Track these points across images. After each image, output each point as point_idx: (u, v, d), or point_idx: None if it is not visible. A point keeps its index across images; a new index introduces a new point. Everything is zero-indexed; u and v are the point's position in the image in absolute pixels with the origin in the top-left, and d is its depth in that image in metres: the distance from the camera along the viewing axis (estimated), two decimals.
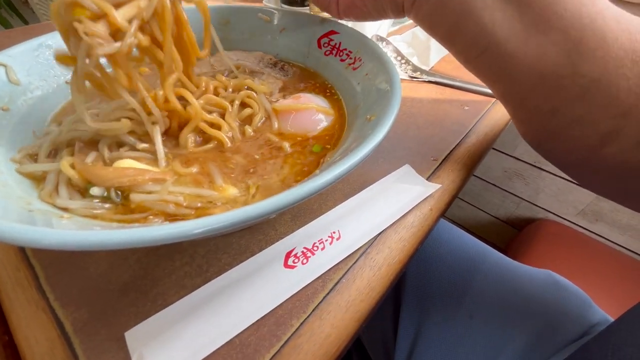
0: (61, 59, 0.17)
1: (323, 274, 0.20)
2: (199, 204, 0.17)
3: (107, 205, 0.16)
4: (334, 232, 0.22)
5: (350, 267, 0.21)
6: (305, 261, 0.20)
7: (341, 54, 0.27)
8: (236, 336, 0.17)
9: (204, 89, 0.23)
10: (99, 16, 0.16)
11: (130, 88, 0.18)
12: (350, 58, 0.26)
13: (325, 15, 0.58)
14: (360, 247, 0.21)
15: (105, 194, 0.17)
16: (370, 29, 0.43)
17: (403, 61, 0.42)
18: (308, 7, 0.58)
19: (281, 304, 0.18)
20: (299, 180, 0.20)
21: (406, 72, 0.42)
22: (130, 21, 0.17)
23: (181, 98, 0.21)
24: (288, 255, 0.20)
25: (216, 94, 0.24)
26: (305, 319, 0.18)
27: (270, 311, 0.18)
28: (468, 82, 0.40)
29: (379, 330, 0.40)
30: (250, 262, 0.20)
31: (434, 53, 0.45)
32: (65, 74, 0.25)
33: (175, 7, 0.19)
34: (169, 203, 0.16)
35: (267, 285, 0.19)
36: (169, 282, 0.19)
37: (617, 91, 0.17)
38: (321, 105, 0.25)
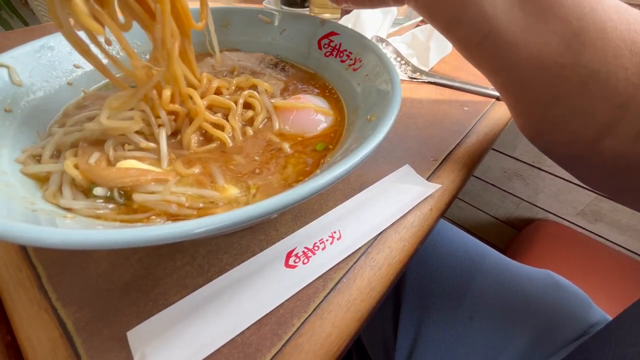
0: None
1: (324, 273, 0.20)
2: (201, 204, 0.17)
3: (110, 206, 0.17)
4: (334, 232, 0.22)
5: (351, 266, 0.21)
6: (306, 261, 0.20)
7: (341, 55, 0.28)
8: (238, 335, 0.17)
9: (206, 85, 0.23)
10: None
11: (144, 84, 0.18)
12: (351, 59, 0.27)
13: (326, 16, 0.58)
14: (361, 247, 0.21)
15: (109, 194, 0.17)
16: (370, 30, 0.43)
17: (403, 62, 0.42)
18: (308, 9, 0.59)
19: (282, 304, 0.18)
20: (300, 180, 0.20)
21: (406, 73, 0.42)
22: None
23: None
24: (289, 255, 0.20)
25: (218, 92, 0.24)
26: (307, 318, 0.18)
27: (272, 310, 0.18)
28: (467, 82, 0.40)
29: (379, 330, 0.40)
30: (252, 262, 0.20)
31: (433, 54, 0.45)
32: (67, 75, 0.25)
33: None
34: (171, 203, 0.17)
35: (268, 284, 0.19)
36: (170, 281, 0.19)
37: (615, 82, 0.17)
38: (321, 105, 0.25)
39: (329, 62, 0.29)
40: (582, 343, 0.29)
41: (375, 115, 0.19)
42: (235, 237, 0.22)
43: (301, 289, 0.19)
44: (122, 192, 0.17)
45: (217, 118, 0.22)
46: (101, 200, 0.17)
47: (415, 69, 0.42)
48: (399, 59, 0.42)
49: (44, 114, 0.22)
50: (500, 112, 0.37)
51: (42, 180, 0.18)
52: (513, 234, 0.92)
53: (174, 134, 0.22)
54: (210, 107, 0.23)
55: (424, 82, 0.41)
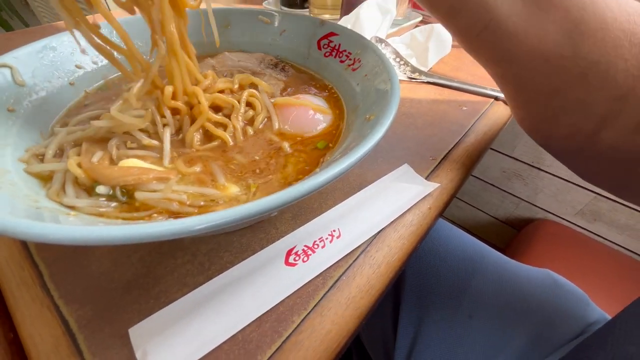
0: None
1: (323, 271, 0.20)
2: (202, 203, 0.18)
3: (112, 204, 0.17)
4: (334, 231, 0.22)
5: (351, 264, 0.21)
6: (306, 259, 0.20)
7: (341, 55, 0.28)
8: (238, 332, 0.17)
9: (210, 83, 0.23)
10: None
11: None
12: (350, 59, 0.27)
13: (325, 17, 0.59)
14: (360, 245, 0.22)
15: (111, 192, 0.17)
16: (369, 30, 0.44)
17: (402, 62, 0.43)
18: (308, 10, 0.59)
19: (282, 301, 0.19)
20: (300, 178, 0.20)
21: (405, 73, 0.42)
22: None
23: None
24: (289, 253, 0.21)
25: (220, 92, 0.24)
26: (306, 315, 0.18)
27: (272, 308, 0.18)
28: (466, 82, 0.40)
29: (378, 329, 0.40)
30: (252, 260, 0.20)
31: (432, 54, 0.45)
32: (68, 75, 0.25)
33: None
34: (172, 201, 0.17)
35: (269, 282, 0.19)
36: (171, 279, 0.19)
37: (615, 73, 0.17)
38: (320, 105, 0.26)
39: (328, 63, 0.29)
40: (582, 341, 0.29)
41: (374, 114, 0.19)
42: (236, 235, 0.22)
43: (301, 286, 0.19)
44: (124, 191, 0.17)
45: (220, 117, 0.22)
46: (104, 199, 0.17)
47: (414, 69, 0.42)
48: (398, 59, 0.43)
49: (47, 113, 0.23)
50: (498, 112, 0.37)
51: (45, 179, 0.18)
52: (513, 234, 0.93)
53: (176, 132, 0.22)
54: (213, 105, 0.23)
55: (423, 82, 0.41)
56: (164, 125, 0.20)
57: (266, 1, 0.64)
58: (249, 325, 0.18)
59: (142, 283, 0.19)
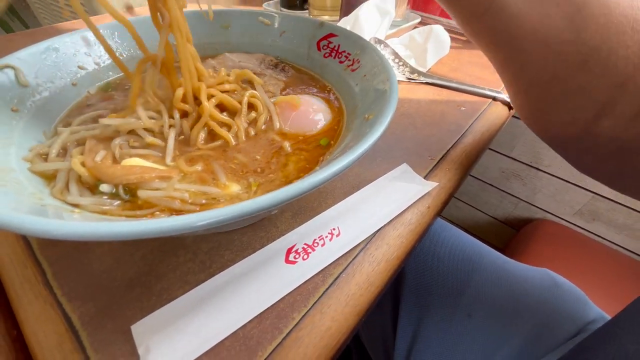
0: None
1: (323, 269, 0.20)
2: (204, 201, 0.18)
3: (115, 202, 0.17)
4: (333, 229, 0.22)
5: (350, 262, 0.21)
6: (305, 257, 0.21)
7: (340, 56, 0.28)
8: (239, 329, 0.17)
9: (214, 80, 0.24)
10: None
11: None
12: (349, 60, 0.27)
13: (325, 18, 0.59)
14: (360, 244, 0.22)
15: (114, 190, 0.17)
16: (369, 31, 0.44)
17: (401, 63, 0.43)
18: (307, 11, 0.60)
19: (283, 298, 0.19)
20: (301, 176, 0.20)
21: (404, 74, 0.42)
22: None
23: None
24: (289, 251, 0.21)
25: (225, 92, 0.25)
26: (306, 312, 0.19)
27: (272, 305, 0.18)
28: (464, 83, 0.41)
29: (378, 328, 0.40)
30: (253, 258, 0.20)
31: (430, 55, 0.45)
32: (71, 75, 0.26)
33: None
34: (174, 199, 0.17)
35: (269, 280, 0.19)
36: (173, 277, 0.20)
37: (616, 59, 0.17)
38: (320, 105, 0.26)
39: (328, 63, 0.29)
40: (582, 340, 0.29)
41: (372, 114, 0.20)
42: (237, 234, 0.22)
43: (301, 284, 0.19)
44: (127, 189, 0.17)
45: (225, 117, 0.23)
46: (107, 197, 0.17)
47: (413, 70, 0.43)
48: (397, 60, 0.43)
49: (50, 113, 0.23)
50: (496, 112, 0.37)
51: (49, 177, 0.18)
52: (512, 234, 0.93)
53: (180, 132, 0.22)
54: (219, 105, 0.24)
55: (422, 82, 0.42)
56: (170, 126, 0.21)
57: (266, 2, 0.64)
58: (249, 321, 0.18)
59: (144, 281, 0.19)
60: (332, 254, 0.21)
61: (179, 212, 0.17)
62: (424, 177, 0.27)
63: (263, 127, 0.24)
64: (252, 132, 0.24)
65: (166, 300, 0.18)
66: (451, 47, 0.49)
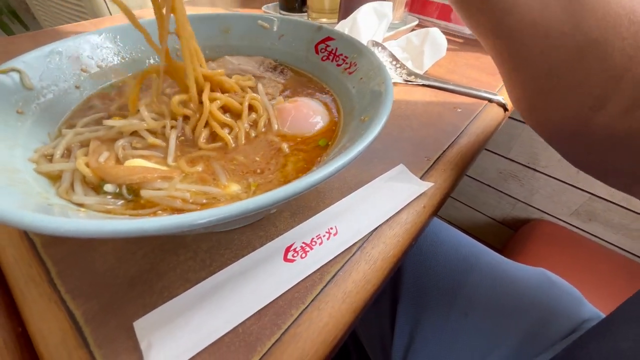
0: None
1: (321, 267, 0.21)
2: (204, 200, 0.18)
3: (119, 202, 0.18)
4: (331, 228, 0.23)
5: (347, 260, 0.22)
6: (304, 255, 0.21)
7: (337, 59, 0.29)
8: (239, 325, 0.18)
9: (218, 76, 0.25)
10: None
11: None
12: (346, 63, 0.28)
13: (323, 20, 0.60)
14: (357, 242, 0.22)
15: (118, 190, 0.18)
16: (366, 34, 0.45)
17: (398, 65, 0.44)
18: (306, 13, 0.60)
19: (281, 295, 0.19)
20: (299, 177, 0.21)
21: (401, 76, 0.43)
22: None
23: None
24: (287, 250, 0.21)
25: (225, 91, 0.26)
26: (304, 309, 0.19)
27: (271, 302, 0.19)
28: (461, 85, 0.41)
29: (376, 327, 0.41)
30: (252, 256, 0.21)
31: (427, 58, 0.46)
32: (74, 78, 0.26)
33: None
34: (176, 199, 0.18)
35: (268, 278, 0.20)
36: (174, 275, 0.20)
37: (612, 52, 0.17)
38: (317, 108, 0.27)
39: (325, 66, 0.30)
40: (577, 338, 0.30)
41: (368, 116, 0.20)
42: (236, 233, 0.22)
43: (299, 281, 0.20)
44: (130, 189, 0.18)
45: (227, 119, 0.23)
46: (110, 197, 0.18)
47: (410, 72, 0.43)
48: (394, 62, 0.44)
49: (54, 115, 0.23)
50: (492, 114, 0.38)
51: (54, 178, 0.19)
52: (509, 234, 0.93)
53: (181, 133, 0.23)
54: (222, 108, 0.24)
55: (419, 84, 0.42)
56: (172, 127, 0.22)
57: (265, 5, 0.65)
58: (249, 318, 0.18)
59: (146, 279, 0.20)
60: (330, 252, 0.21)
61: (180, 211, 0.18)
62: (420, 178, 0.28)
63: (263, 129, 0.25)
64: (253, 134, 0.24)
65: (167, 297, 0.19)
66: (448, 50, 0.49)
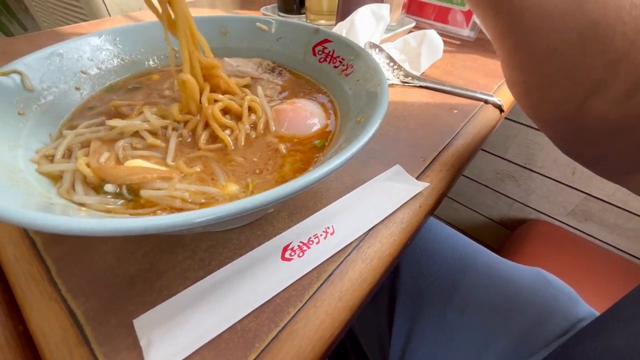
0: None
1: (318, 266, 0.21)
2: (203, 200, 0.19)
3: (119, 202, 0.18)
4: (328, 228, 0.23)
5: (344, 259, 0.22)
6: (301, 254, 0.22)
7: (334, 61, 0.29)
8: (237, 322, 0.18)
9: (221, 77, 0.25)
10: None
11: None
12: (343, 65, 0.28)
13: (321, 22, 0.60)
14: (353, 242, 0.23)
15: (118, 190, 0.18)
16: (364, 36, 0.45)
17: (395, 67, 0.44)
18: (304, 15, 0.61)
19: (279, 294, 0.20)
20: (296, 177, 0.21)
21: (398, 78, 0.43)
22: None
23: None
24: (285, 249, 0.22)
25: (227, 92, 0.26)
26: (301, 307, 0.19)
27: (269, 300, 0.19)
28: (457, 86, 0.42)
29: (374, 326, 0.41)
30: (250, 255, 0.21)
31: (424, 59, 0.47)
32: (74, 80, 0.27)
33: None
34: (175, 199, 0.18)
35: (266, 276, 0.20)
36: (173, 274, 0.20)
37: (612, 35, 0.17)
38: (315, 109, 0.27)
39: (323, 68, 0.30)
40: (572, 336, 0.30)
41: (364, 117, 0.21)
42: (234, 232, 0.23)
43: (296, 280, 0.20)
44: (130, 189, 0.18)
45: (227, 121, 0.24)
46: (111, 196, 0.18)
47: (407, 74, 0.44)
48: (391, 64, 0.44)
49: (55, 116, 0.24)
50: (488, 115, 0.39)
51: (55, 178, 0.19)
52: (507, 235, 0.94)
53: (180, 134, 0.23)
54: (223, 108, 0.25)
55: (416, 86, 0.43)
56: (173, 129, 0.22)
57: (264, 7, 0.65)
58: (247, 316, 0.19)
59: (146, 278, 0.20)
60: (327, 251, 0.22)
61: (179, 210, 0.18)
62: (416, 178, 0.28)
63: (262, 131, 0.25)
64: (253, 135, 0.25)
65: (167, 296, 0.19)
66: (444, 51, 0.50)
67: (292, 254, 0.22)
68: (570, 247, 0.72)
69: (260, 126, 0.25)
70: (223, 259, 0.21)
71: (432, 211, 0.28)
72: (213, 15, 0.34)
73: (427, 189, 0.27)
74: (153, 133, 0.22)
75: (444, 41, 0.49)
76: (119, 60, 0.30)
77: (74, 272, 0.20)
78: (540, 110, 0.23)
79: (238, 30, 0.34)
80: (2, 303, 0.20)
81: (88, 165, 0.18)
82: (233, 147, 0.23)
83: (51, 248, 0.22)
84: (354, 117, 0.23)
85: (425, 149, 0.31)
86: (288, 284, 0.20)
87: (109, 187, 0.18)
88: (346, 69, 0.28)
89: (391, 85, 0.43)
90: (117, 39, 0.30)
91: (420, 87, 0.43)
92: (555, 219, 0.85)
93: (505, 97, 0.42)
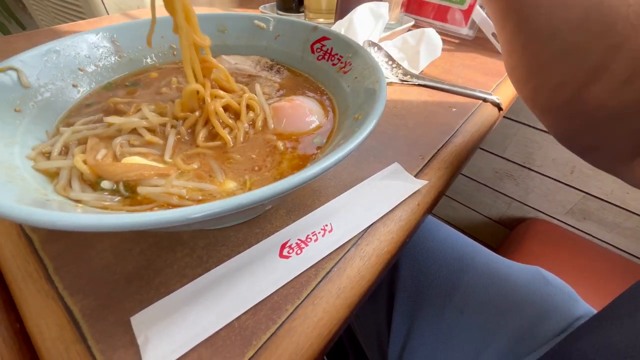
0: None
1: (316, 263, 0.21)
2: (200, 197, 0.19)
3: (116, 198, 0.18)
4: (326, 225, 0.23)
5: (342, 257, 0.22)
6: (299, 252, 0.21)
7: (332, 58, 0.29)
8: (235, 320, 0.18)
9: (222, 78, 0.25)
10: None
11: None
12: (341, 62, 0.28)
13: (320, 21, 0.60)
14: (351, 239, 0.23)
15: (115, 187, 0.18)
16: (362, 34, 0.45)
17: (394, 65, 0.44)
18: (303, 14, 0.61)
19: (277, 291, 0.20)
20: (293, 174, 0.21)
21: (397, 76, 0.43)
22: None
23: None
24: (283, 247, 0.22)
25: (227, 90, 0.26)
26: (299, 304, 0.19)
27: (267, 297, 0.19)
28: (456, 85, 0.42)
29: (373, 325, 0.41)
30: (248, 253, 0.21)
31: (423, 58, 0.47)
32: (71, 77, 0.26)
33: None
34: (172, 195, 0.18)
35: (264, 273, 0.20)
36: (171, 272, 0.20)
37: (615, 18, 0.17)
38: (313, 107, 0.27)
39: (321, 65, 0.30)
40: (570, 333, 0.30)
41: (362, 114, 0.20)
42: (232, 230, 0.23)
43: (294, 277, 0.20)
44: (127, 186, 0.18)
45: (228, 120, 0.24)
46: (107, 193, 0.18)
47: (405, 72, 0.44)
48: (390, 62, 0.44)
49: (51, 113, 0.24)
50: (486, 113, 0.39)
51: (52, 175, 0.19)
52: (505, 233, 0.94)
53: (178, 131, 0.23)
54: (223, 106, 0.25)
55: (414, 84, 0.43)
56: (172, 127, 0.22)
57: (263, 6, 0.65)
58: (244, 313, 0.19)
59: (143, 275, 0.20)
60: (325, 249, 0.22)
61: (176, 207, 0.18)
62: (415, 176, 0.28)
63: (260, 127, 0.25)
64: (252, 133, 0.25)
65: (164, 293, 0.19)
66: (443, 50, 0.50)
67: (290, 251, 0.22)
68: (568, 246, 0.72)
69: (259, 123, 0.25)
70: (221, 256, 0.21)
71: (430, 209, 0.28)
72: (211, 12, 0.34)
73: (426, 187, 0.27)
74: (151, 130, 0.22)
75: (442, 40, 0.49)
76: (116, 57, 0.30)
77: (71, 270, 0.20)
78: (540, 96, 0.23)
79: (236, 27, 0.34)
80: None
81: (85, 162, 0.18)
82: (232, 145, 0.23)
83: (48, 245, 0.22)
84: (352, 114, 0.23)
85: (423, 147, 0.31)
86: (286, 282, 0.20)
87: (105, 184, 0.18)
88: (344, 67, 0.28)
89: (390, 83, 0.43)
90: (115, 36, 0.30)
91: (419, 85, 0.43)
92: (554, 218, 0.85)
93: (504, 95, 0.42)
